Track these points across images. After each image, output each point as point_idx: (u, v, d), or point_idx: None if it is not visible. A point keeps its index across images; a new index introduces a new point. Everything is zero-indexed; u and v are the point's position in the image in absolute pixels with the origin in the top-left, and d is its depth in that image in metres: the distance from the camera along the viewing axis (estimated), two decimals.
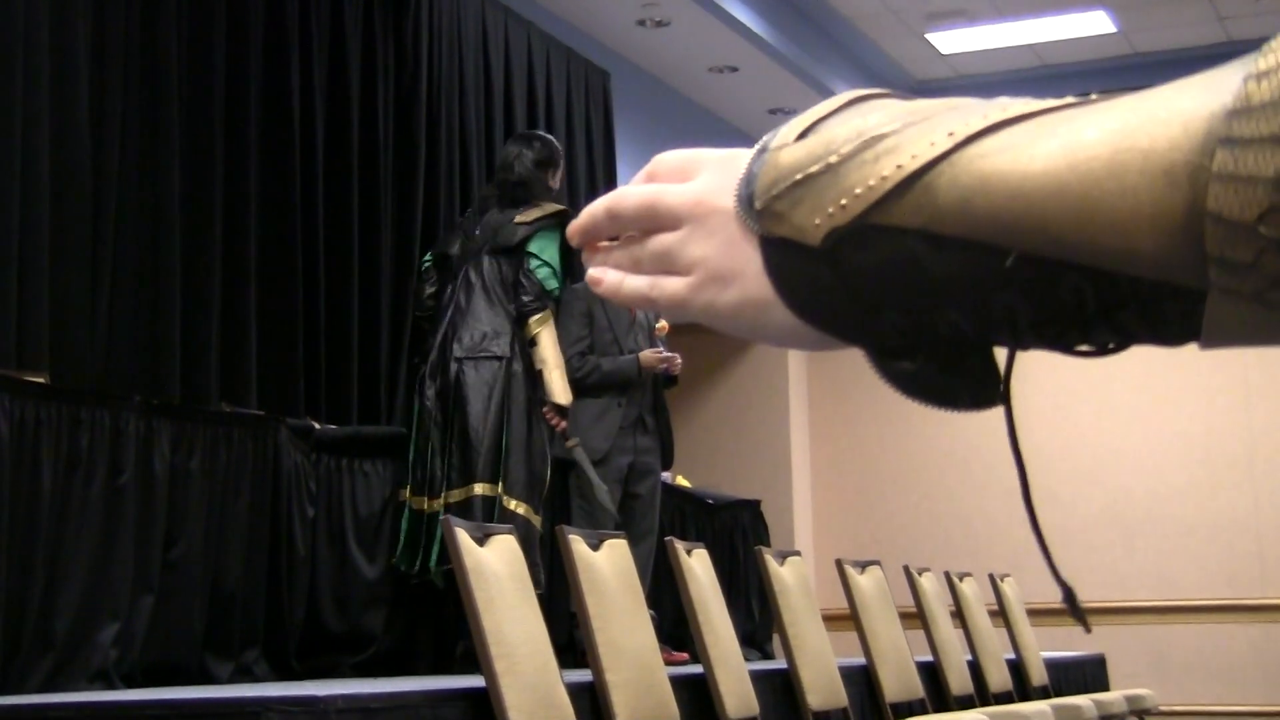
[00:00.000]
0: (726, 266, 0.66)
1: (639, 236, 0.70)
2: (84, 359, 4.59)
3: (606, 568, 3.63)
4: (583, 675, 3.56)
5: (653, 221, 0.69)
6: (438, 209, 6.39)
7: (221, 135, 5.25)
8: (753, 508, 7.65)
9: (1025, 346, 0.63)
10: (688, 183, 0.68)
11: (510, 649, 3.08)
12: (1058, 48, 9.58)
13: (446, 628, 5.40)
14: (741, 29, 8.39)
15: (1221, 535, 9.64)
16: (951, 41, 9.56)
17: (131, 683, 4.28)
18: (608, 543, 3.72)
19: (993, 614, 6.61)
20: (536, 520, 5.20)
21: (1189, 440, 9.78)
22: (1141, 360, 9.79)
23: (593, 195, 7.75)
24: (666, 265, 0.69)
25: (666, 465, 6.09)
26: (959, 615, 6.30)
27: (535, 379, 5.29)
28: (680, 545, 4.15)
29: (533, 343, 5.27)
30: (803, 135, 0.64)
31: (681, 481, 7.46)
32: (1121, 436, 9.88)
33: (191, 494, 4.56)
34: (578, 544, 3.57)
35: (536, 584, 4.54)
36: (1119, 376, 9.83)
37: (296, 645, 4.85)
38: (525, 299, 5.28)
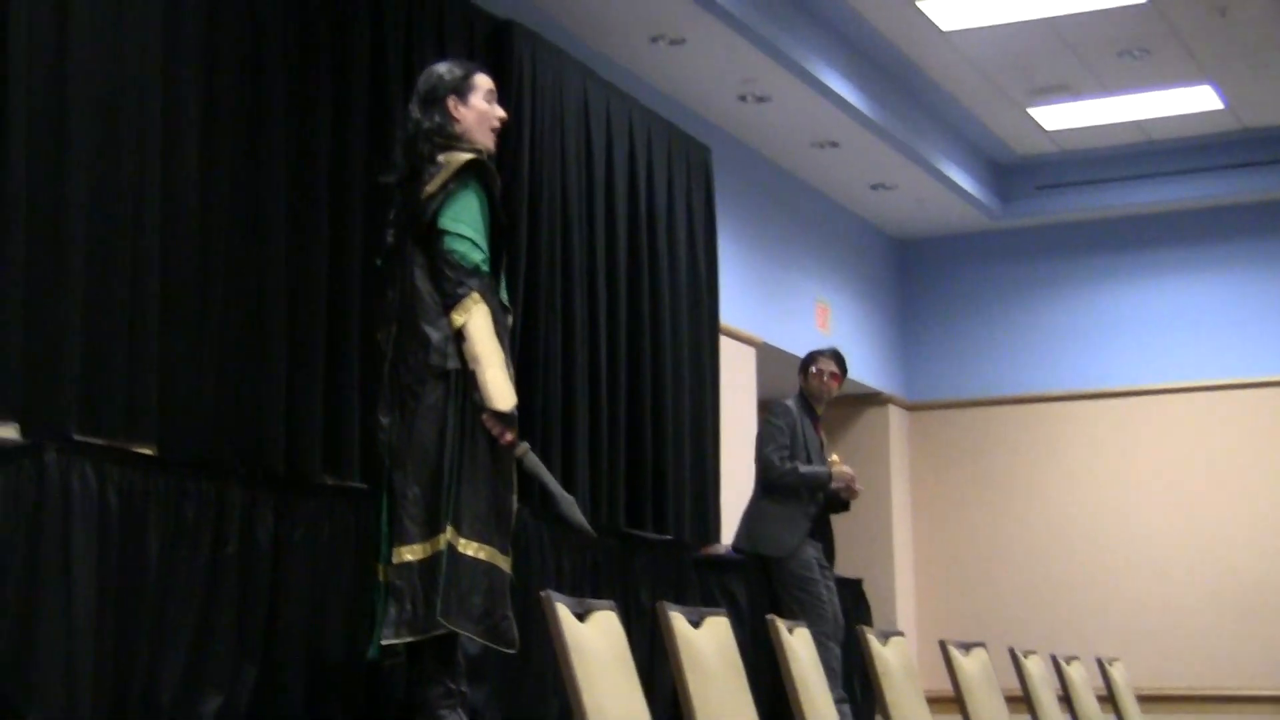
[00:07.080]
0: None
1: None
2: (190, 431, 4.66)
3: (708, 646, 3.60)
4: None
5: None
6: (539, 283, 6.43)
7: (325, 208, 5.32)
8: (854, 587, 7.56)
9: None
10: None
11: None
12: (1164, 124, 9.49)
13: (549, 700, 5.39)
14: (842, 104, 8.40)
15: None
16: (1055, 117, 9.51)
17: None
18: (709, 620, 3.69)
19: (1101, 699, 6.47)
20: (504, 563, 4.26)
21: None
22: (1252, 436, 9.59)
23: (693, 270, 7.78)
24: None
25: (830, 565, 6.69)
26: (1066, 700, 6.17)
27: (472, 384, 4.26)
28: (781, 624, 4.10)
29: (460, 337, 4.24)
30: None
31: None
32: (1231, 515, 9.66)
33: (295, 566, 4.59)
34: (678, 621, 3.53)
35: (508, 642, 4.21)
36: (1227, 450, 9.62)
37: (395, 717, 4.85)
38: (446, 288, 4.26)
